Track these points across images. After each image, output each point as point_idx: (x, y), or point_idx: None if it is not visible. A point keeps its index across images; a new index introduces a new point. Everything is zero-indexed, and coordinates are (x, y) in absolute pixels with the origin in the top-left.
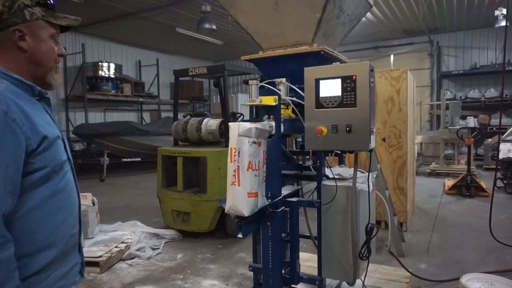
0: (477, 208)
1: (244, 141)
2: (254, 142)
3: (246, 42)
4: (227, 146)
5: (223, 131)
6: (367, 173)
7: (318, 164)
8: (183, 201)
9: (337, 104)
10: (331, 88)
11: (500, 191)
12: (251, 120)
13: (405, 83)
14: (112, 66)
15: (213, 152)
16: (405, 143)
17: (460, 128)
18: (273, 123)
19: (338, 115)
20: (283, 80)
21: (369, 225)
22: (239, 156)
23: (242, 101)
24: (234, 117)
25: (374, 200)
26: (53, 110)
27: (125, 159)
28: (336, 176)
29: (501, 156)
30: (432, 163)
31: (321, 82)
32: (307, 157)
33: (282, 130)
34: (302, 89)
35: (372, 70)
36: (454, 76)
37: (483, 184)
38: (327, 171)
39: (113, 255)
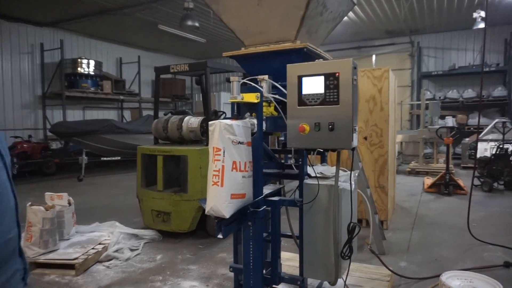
0: (455, 206)
1: (228, 140)
2: (240, 142)
3: (230, 40)
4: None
5: (205, 129)
6: (349, 172)
7: (300, 162)
8: (163, 200)
9: (319, 101)
10: (314, 85)
11: (477, 189)
12: (232, 117)
13: (387, 82)
14: (92, 63)
15: (194, 150)
16: (387, 142)
17: (439, 128)
18: (255, 121)
19: (321, 113)
20: (266, 77)
21: (351, 224)
22: (224, 156)
23: (225, 100)
24: (216, 115)
25: (356, 199)
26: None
27: (105, 158)
28: (318, 175)
29: (478, 155)
30: (412, 162)
31: (304, 79)
32: (289, 155)
33: (264, 128)
34: (284, 87)
35: (355, 68)
36: (434, 76)
37: (461, 182)
38: (309, 170)
39: (90, 257)
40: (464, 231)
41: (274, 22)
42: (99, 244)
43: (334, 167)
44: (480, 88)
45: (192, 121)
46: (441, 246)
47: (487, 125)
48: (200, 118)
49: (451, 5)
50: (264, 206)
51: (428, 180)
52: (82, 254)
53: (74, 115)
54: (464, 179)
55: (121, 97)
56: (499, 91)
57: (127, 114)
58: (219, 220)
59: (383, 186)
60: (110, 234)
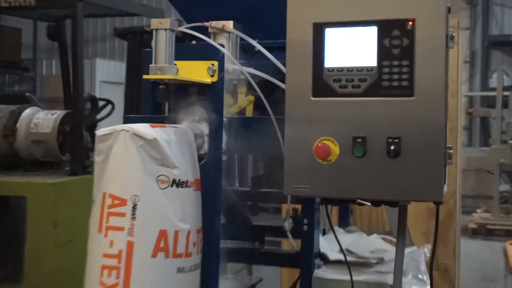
0: None
1: (149, 176)
2: (178, 183)
3: None
4: (75, 172)
5: (68, 136)
6: (415, 248)
7: (306, 225)
8: None
9: (366, 87)
10: (351, 48)
11: None
12: (159, 119)
13: (456, 51)
14: None
15: (42, 185)
16: (454, 174)
17: None
18: (204, 128)
19: (369, 114)
20: (229, 24)
21: None
22: (134, 218)
23: (105, 76)
24: (95, 106)
25: None
26: None
27: None
28: (348, 258)
29: None
30: (477, 210)
31: (329, 32)
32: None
33: (223, 144)
34: (271, 50)
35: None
36: None
37: None
38: (323, 243)
39: None
40: None
41: None
42: None
43: (373, 236)
44: None
45: (40, 119)
46: None
47: None
48: (58, 113)
49: None
50: None
51: None
52: None
53: None
54: None
55: None
56: None
57: None
58: None
59: (446, 267)
60: None
